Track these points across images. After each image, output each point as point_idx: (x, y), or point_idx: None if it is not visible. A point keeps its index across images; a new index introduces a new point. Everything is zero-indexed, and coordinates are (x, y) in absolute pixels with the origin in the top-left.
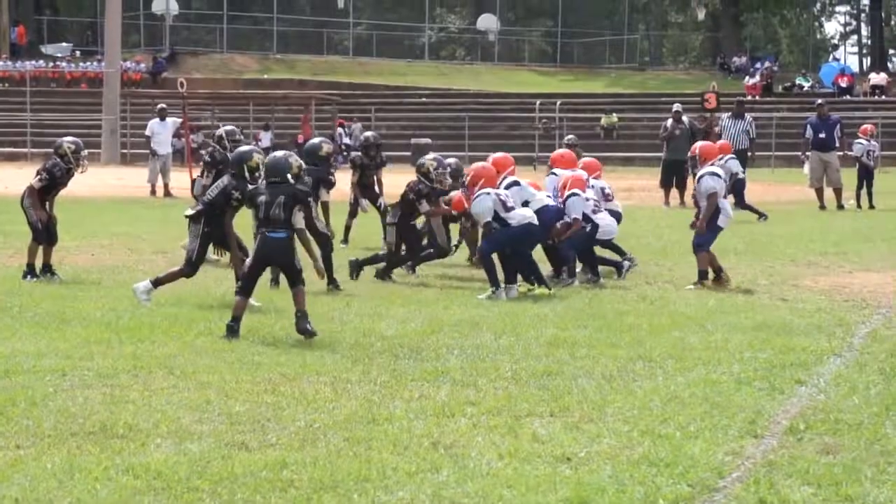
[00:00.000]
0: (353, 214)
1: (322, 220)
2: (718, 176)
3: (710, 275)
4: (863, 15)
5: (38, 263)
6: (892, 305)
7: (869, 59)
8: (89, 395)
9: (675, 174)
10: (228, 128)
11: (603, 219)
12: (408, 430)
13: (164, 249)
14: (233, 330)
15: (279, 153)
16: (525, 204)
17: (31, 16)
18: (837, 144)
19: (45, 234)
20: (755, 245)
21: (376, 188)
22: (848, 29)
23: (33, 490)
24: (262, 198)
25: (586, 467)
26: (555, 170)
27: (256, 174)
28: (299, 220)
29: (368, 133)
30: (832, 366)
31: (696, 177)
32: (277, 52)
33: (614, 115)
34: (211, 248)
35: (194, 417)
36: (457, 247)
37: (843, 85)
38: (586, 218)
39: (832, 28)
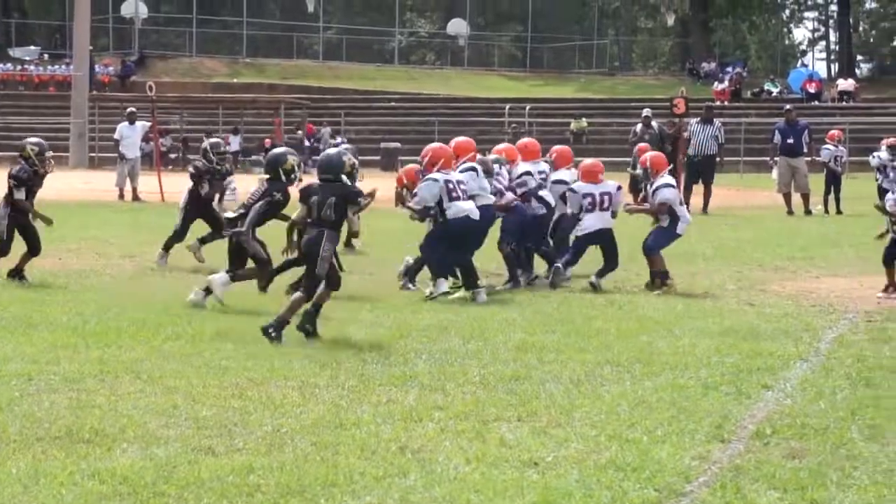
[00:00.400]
0: None
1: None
2: (672, 186)
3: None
4: (831, 21)
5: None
6: (859, 310)
7: (837, 64)
8: (55, 400)
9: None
10: (213, 140)
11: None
12: (375, 434)
13: (133, 253)
14: (278, 333)
15: (332, 151)
16: (471, 198)
17: None
18: (805, 150)
19: (7, 247)
20: (723, 250)
21: None
22: (816, 35)
23: None
24: (315, 197)
25: (553, 472)
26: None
27: (292, 176)
28: (354, 221)
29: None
30: (799, 371)
31: (653, 189)
32: (247, 55)
33: (584, 119)
34: (196, 248)
35: (161, 422)
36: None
37: (812, 91)
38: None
39: (801, 34)
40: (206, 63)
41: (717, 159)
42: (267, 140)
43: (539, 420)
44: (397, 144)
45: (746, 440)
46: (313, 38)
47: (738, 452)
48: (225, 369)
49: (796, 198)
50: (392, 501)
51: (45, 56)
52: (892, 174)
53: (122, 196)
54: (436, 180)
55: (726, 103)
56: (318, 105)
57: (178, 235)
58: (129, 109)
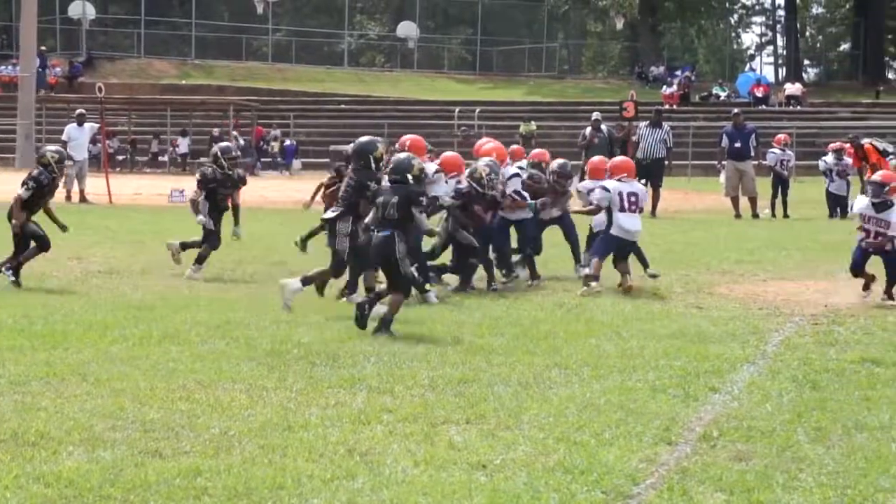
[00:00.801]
0: None
1: None
2: (608, 190)
3: (594, 284)
4: (778, 26)
5: None
6: (805, 313)
7: (784, 69)
8: (0, 403)
9: None
10: (224, 145)
11: None
12: (323, 437)
13: (80, 255)
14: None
15: (402, 154)
16: None
17: None
18: (753, 154)
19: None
20: (671, 253)
21: None
22: (764, 40)
23: None
24: (382, 198)
25: (501, 474)
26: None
27: (381, 163)
28: (422, 221)
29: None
30: (746, 373)
31: (588, 190)
32: (196, 57)
33: (533, 123)
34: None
35: (107, 425)
36: None
37: (759, 95)
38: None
39: (748, 39)
40: (155, 64)
41: (666, 163)
42: (215, 129)
43: (487, 423)
44: (347, 147)
45: (693, 442)
46: (262, 39)
47: (685, 455)
48: (172, 372)
49: (744, 201)
50: None
51: None
52: (837, 179)
53: (69, 198)
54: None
55: (675, 107)
56: (267, 107)
57: (213, 243)
58: (78, 111)
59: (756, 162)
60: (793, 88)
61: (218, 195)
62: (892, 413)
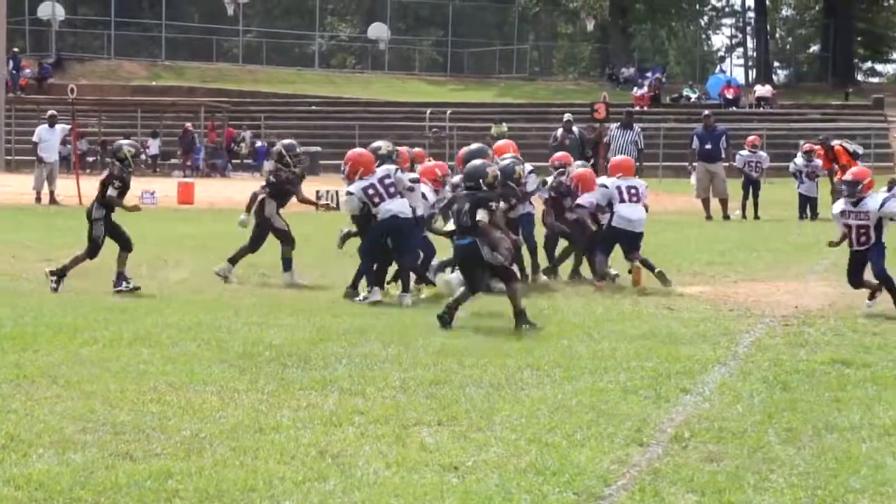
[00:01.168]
0: None
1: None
2: (606, 186)
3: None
4: (748, 28)
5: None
6: (776, 314)
7: (754, 71)
8: None
9: None
10: (287, 142)
11: None
12: (295, 439)
13: (49, 257)
14: (444, 320)
15: (478, 161)
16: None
17: None
18: (723, 155)
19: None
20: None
21: None
22: (734, 41)
23: None
24: (456, 205)
25: (473, 476)
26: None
27: (495, 184)
28: (484, 216)
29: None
30: (717, 374)
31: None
32: (166, 58)
33: (504, 124)
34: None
35: (78, 427)
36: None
37: (730, 97)
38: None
39: (719, 41)
40: (125, 66)
41: (637, 164)
42: (188, 125)
43: (459, 424)
44: (318, 148)
45: (665, 444)
46: (233, 41)
47: (656, 456)
48: (143, 374)
49: (715, 203)
50: None
51: None
52: (806, 180)
53: (38, 199)
54: (352, 193)
55: (646, 108)
56: (237, 108)
57: (291, 242)
58: (49, 112)
59: (727, 163)
60: (763, 90)
61: (287, 194)
62: (862, 414)
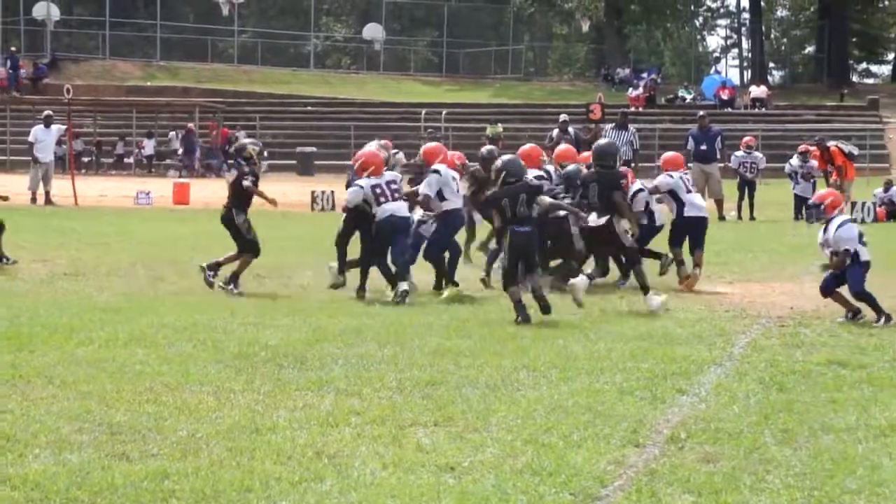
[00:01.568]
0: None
1: None
2: (671, 177)
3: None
4: (743, 29)
5: None
6: (772, 315)
7: (749, 72)
8: None
9: None
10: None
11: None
12: (291, 439)
13: (45, 257)
14: (524, 315)
15: (512, 157)
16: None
17: None
18: (718, 156)
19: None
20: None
21: None
22: (729, 42)
23: None
24: (506, 199)
25: (470, 477)
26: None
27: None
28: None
29: (488, 147)
30: (713, 375)
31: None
32: (161, 59)
33: (499, 125)
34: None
35: (74, 427)
36: None
37: (725, 97)
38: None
39: (714, 42)
40: (120, 66)
41: (632, 165)
42: (191, 125)
43: (455, 425)
44: (313, 149)
45: (661, 444)
46: (228, 41)
47: (653, 457)
48: (139, 374)
49: (710, 203)
50: None
51: None
52: (801, 181)
53: (34, 199)
54: (361, 187)
55: (641, 109)
56: (232, 109)
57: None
58: (45, 113)
59: (722, 164)
60: (758, 91)
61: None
62: (858, 415)
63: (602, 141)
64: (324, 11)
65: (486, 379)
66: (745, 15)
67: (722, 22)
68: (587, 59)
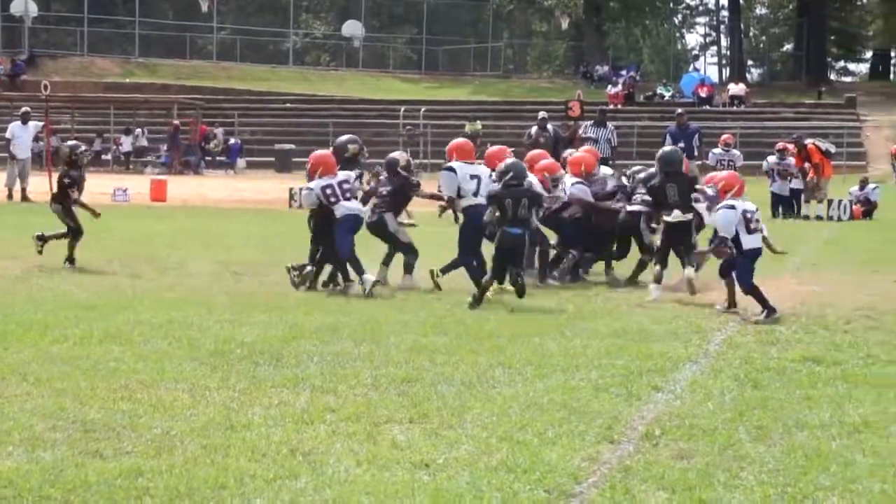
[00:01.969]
0: None
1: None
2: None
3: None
4: (722, 27)
5: None
6: (747, 312)
7: (728, 69)
8: None
9: None
10: (399, 154)
11: None
12: (266, 437)
13: (19, 255)
14: (475, 304)
15: (516, 160)
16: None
17: None
18: (696, 153)
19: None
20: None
21: None
22: (708, 40)
23: None
24: (508, 200)
25: (444, 474)
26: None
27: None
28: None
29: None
30: (688, 372)
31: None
32: (139, 55)
33: (478, 122)
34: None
35: (48, 425)
36: None
37: (703, 95)
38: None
39: (692, 39)
40: (98, 63)
41: (610, 162)
42: (176, 121)
43: (430, 422)
44: (292, 146)
45: (636, 441)
46: (207, 38)
47: (627, 453)
48: (114, 371)
49: None
50: None
51: None
52: (778, 179)
53: (10, 196)
54: (311, 189)
55: (620, 106)
56: (211, 106)
57: (414, 250)
58: (23, 109)
59: (700, 162)
60: (736, 89)
61: (401, 204)
62: (832, 411)
63: (667, 148)
64: (303, 8)
65: (461, 376)
66: (724, 12)
67: (701, 19)
68: (566, 56)
